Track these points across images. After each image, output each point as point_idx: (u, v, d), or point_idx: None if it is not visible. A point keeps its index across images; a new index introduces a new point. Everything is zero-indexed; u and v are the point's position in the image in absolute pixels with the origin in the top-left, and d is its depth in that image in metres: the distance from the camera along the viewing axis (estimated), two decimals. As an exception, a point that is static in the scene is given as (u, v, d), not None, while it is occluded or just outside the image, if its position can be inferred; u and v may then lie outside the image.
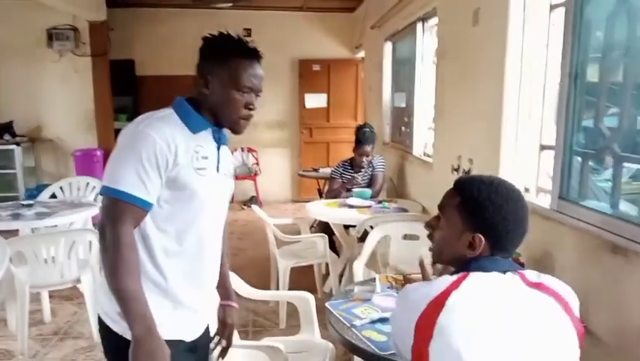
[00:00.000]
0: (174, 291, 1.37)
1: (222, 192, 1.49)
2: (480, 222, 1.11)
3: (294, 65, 7.46)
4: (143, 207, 1.29)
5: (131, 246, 1.28)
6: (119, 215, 1.27)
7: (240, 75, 1.37)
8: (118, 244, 1.25)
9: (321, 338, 2.30)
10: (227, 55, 1.37)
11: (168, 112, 1.38)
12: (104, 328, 1.38)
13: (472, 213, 1.12)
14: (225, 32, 1.41)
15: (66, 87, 6.48)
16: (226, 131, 1.47)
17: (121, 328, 1.31)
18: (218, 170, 1.44)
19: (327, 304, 1.90)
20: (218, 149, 1.45)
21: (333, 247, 3.97)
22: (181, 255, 1.37)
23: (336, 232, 3.82)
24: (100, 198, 1.40)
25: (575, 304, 1.10)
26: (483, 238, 1.11)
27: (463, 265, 1.13)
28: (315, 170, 6.19)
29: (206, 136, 1.41)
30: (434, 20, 3.99)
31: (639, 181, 2.25)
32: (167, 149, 1.29)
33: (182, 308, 1.40)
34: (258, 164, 7.53)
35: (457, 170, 3.18)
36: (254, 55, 1.41)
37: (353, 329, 1.70)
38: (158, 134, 1.29)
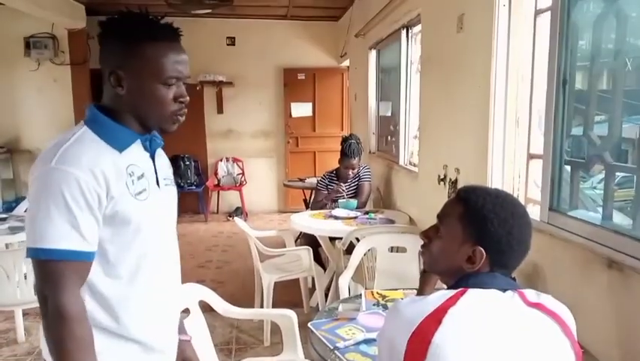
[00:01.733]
0: (139, 337, 1.18)
1: (168, 207, 1.28)
2: (483, 235, 1.05)
3: (278, 73, 7.37)
4: (85, 259, 1.07)
5: (79, 316, 1.05)
6: (57, 280, 1.03)
7: (162, 64, 1.11)
8: (63, 318, 1.02)
9: (304, 358, 2.19)
10: (141, 40, 1.10)
11: (81, 131, 1.11)
12: None
13: (476, 225, 1.06)
14: (131, 10, 1.12)
15: (45, 97, 6.34)
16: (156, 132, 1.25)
17: None
18: (158, 184, 1.23)
19: (309, 325, 1.80)
20: (153, 158, 1.23)
21: (320, 259, 3.87)
22: (138, 295, 1.18)
23: (322, 245, 3.71)
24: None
25: (573, 326, 1.04)
26: (484, 252, 1.04)
27: (458, 278, 1.07)
28: (301, 180, 6.08)
29: (136, 149, 1.18)
30: (418, 28, 3.93)
31: (626, 189, 2.19)
32: (94, 183, 1.05)
33: (153, 353, 1.22)
34: (243, 174, 7.42)
35: (443, 180, 3.10)
36: (174, 35, 1.15)
37: (336, 352, 1.60)
38: (78, 167, 1.04)
